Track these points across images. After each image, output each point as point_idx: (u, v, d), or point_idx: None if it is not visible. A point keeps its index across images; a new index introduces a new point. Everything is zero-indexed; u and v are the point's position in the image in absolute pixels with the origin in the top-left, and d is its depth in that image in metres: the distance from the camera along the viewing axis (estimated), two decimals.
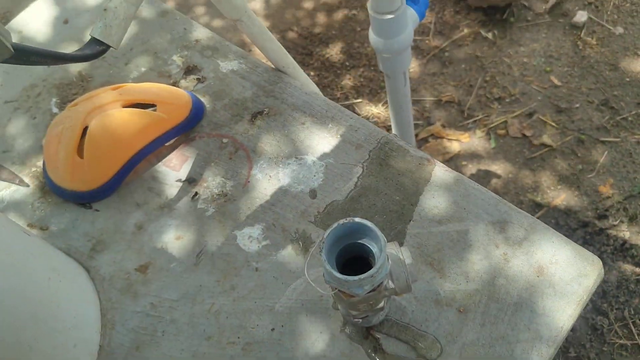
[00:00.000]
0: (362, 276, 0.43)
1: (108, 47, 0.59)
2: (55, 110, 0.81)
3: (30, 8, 0.95)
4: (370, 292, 0.46)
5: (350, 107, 1.63)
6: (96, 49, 0.58)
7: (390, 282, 0.49)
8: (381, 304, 0.52)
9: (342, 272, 0.44)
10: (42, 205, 0.73)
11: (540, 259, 0.60)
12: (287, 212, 0.67)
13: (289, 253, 0.64)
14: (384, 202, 0.66)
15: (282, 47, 0.79)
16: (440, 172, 0.68)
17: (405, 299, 0.60)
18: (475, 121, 1.55)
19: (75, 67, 0.86)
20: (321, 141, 0.72)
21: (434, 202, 0.65)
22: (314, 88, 0.83)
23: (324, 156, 0.71)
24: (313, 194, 0.68)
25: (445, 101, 1.60)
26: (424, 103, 1.62)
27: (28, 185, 0.74)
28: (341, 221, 0.45)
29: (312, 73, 1.73)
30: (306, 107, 0.75)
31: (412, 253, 0.62)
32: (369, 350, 0.58)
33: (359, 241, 0.48)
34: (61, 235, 0.70)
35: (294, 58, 0.81)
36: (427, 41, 1.75)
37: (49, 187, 0.73)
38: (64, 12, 0.94)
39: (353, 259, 0.50)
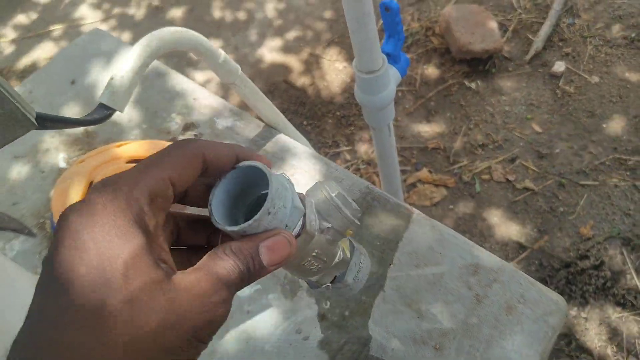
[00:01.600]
0: (256, 217, 0.33)
1: (114, 111, 0.66)
2: (62, 165, 0.88)
3: (42, 70, 1.03)
4: (297, 236, 0.36)
5: (342, 154, 1.70)
6: (104, 113, 0.65)
7: (323, 222, 0.39)
8: (336, 257, 0.42)
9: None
10: None
11: (509, 299, 0.66)
12: None
13: (278, 297, 0.69)
14: (366, 248, 0.72)
15: (273, 106, 0.86)
16: (417, 219, 0.74)
17: (385, 338, 0.64)
18: (460, 167, 1.62)
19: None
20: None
21: (412, 246, 0.71)
22: (304, 141, 0.89)
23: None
24: None
25: (432, 148, 1.67)
26: (411, 150, 1.69)
27: (35, 236, 0.80)
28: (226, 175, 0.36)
29: (304, 122, 1.81)
30: (294, 160, 0.82)
31: (391, 294, 0.67)
32: None
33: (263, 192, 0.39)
34: None
35: (288, 107, 0.88)
36: (413, 92, 1.84)
37: None
38: (70, 73, 1.02)
39: None
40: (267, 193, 0.34)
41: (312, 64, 1.97)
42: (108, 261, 0.26)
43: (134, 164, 0.76)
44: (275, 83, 1.93)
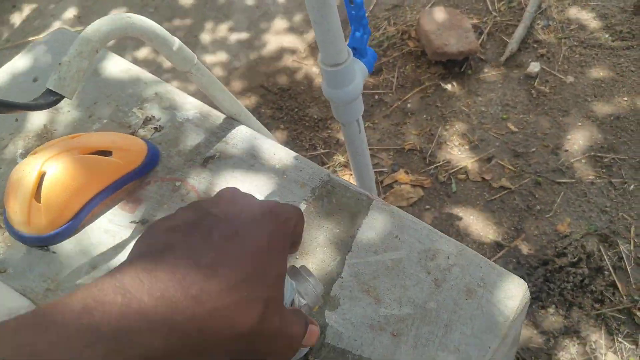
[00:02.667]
0: None
1: (62, 97, 0.64)
2: (19, 160, 0.86)
3: (3, 68, 1.01)
4: None
5: (318, 157, 1.69)
6: (50, 99, 0.63)
7: (301, 299, 0.52)
8: None
9: None
10: (1, 250, 0.76)
11: (468, 282, 0.64)
12: None
13: None
14: (325, 235, 0.70)
15: (233, 96, 0.84)
16: (377, 206, 0.72)
17: (342, 325, 0.63)
18: (436, 167, 1.61)
19: (40, 120, 0.91)
20: (268, 181, 0.77)
21: (371, 233, 0.70)
22: (266, 132, 0.88)
23: (270, 194, 0.75)
24: None
25: (408, 149, 1.67)
26: (388, 152, 1.69)
27: None
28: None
29: (281, 126, 1.80)
30: (255, 150, 0.81)
31: (348, 280, 0.66)
32: None
33: None
34: (18, 278, 0.72)
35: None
36: (390, 94, 1.84)
37: (8, 232, 0.76)
38: (33, 71, 1.00)
39: None
40: None
41: (289, 67, 1.97)
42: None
43: (86, 155, 0.74)
44: (253, 88, 1.92)
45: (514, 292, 0.64)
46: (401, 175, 1.60)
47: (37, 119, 0.92)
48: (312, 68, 1.96)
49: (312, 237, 0.70)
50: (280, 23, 2.13)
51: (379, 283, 0.66)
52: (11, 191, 0.74)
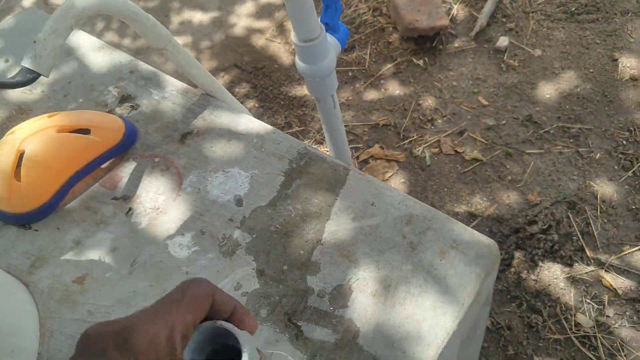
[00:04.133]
0: None
1: (39, 75, 0.64)
2: None
3: None
4: None
5: (294, 135, 1.71)
6: (27, 77, 0.64)
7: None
8: None
9: None
10: None
11: (442, 244, 0.67)
12: (214, 220, 0.73)
13: (216, 256, 0.69)
14: (304, 205, 0.73)
15: (209, 73, 0.85)
16: (354, 175, 0.75)
17: (323, 288, 0.65)
18: (410, 142, 1.65)
19: (15, 101, 0.91)
20: (247, 155, 0.79)
21: (348, 202, 0.72)
22: (242, 108, 0.89)
23: (249, 168, 0.77)
24: (239, 202, 0.74)
25: (382, 125, 1.70)
26: (362, 127, 1.71)
27: None
28: (203, 325, 0.44)
29: (256, 105, 1.81)
30: (232, 125, 0.82)
31: (328, 247, 0.68)
32: (292, 338, 0.63)
33: (230, 343, 0.47)
34: (1, 256, 0.73)
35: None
36: (363, 71, 1.85)
37: None
38: (3, 51, 0.99)
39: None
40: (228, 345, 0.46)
41: (261, 46, 1.97)
42: None
43: (65, 134, 0.75)
44: (226, 67, 1.92)
45: (484, 252, 0.67)
46: (376, 151, 1.62)
47: (10, 99, 0.91)
48: (284, 46, 1.97)
49: (292, 207, 0.73)
50: (249, 4, 2.13)
51: (357, 248, 0.68)
52: None
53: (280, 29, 2.02)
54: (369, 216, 0.71)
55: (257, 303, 0.65)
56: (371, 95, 1.79)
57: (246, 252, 0.70)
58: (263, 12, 2.11)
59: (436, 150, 1.62)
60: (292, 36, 0.98)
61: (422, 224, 0.69)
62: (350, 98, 1.79)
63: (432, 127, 1.67)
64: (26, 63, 0.64)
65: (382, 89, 1.79)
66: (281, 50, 1.96)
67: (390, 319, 0.63)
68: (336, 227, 0.70)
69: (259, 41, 1.99)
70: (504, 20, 1.92)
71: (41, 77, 0.65)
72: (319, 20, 0.98)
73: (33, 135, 0.73)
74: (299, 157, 0.78)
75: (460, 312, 0.63)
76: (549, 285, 1.36)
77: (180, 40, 2.07)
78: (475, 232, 0.69)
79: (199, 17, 2.13)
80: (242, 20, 2.09)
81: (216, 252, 0.70)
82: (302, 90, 1.83)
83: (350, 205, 0.72)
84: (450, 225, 0.69)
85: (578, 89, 1.70)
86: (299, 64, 1.03)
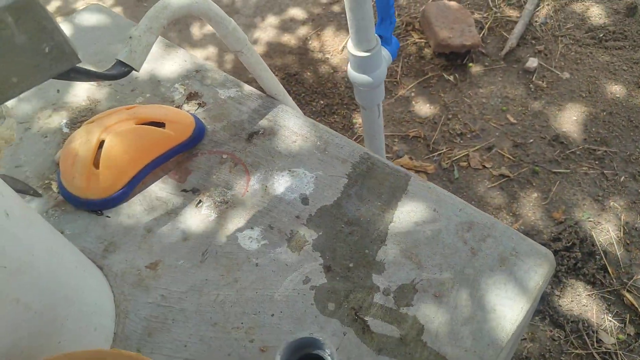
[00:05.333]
0: None
1: (132, 69, 0.68)
2: (66, 130, 0.89)
3: None
4: None
5: None
6: (122, 70, 0.68)
7: None
8: None
9: None
10: (55, 213, 0.79)
11: (502, 251, 0.71)
12: (282, 217, 0.76)
13: (285, 250, 0.73)
14: (368, 207, 0.76)
15: (275, 77, 0.89)
16: (415, 182, 0.78)
17: (388, 287, 0.69)
18: (439, 154, 1.68)
19: (84, 93, 0.94)
20: (311, 157, 0.82)
21: (410, 206, 0.76)
22: (300, 114, 0.93)
23: (313, 169, 0.81)
24: (305, 201, 0.78)
25: (412, 136, 1.74)
26: (393, 138, 1.75)
27: (41, 195, 0.81)
28: (294, 338, 0.49)
29: None
30: (296, 127, 0.86)
31: (392, 248, 0.72)
32: (359, 331, 0.66)
33: (314, 352, 0.52)
34: (75, 239, 0.77)
35: None
36: (395, 83, 1.90)
37: (63, 197, 0.80)
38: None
39: None
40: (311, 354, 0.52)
41: (298, 54, 2.02)
42: None
43: (142, 126, 0.78)
44: None
45: (542, 261, 0.70)
46: (406, 161, 1.66)
47: (79, 92, 0.95)
48: (318, 54, 2.01)
49: (355, 208, 0.76)
50: (285, 10, 2.17)
51: (420, 250, 0.72)
52: (68, 157, 0.77)
53: (316, 35, 2.06)
54: (430, 221, 0.74)
55: (325, 297, 0.69)
56: (402, 107, 1.83)
57: (313, 248, 0.73)
58: (297, 20, 2.15)
59: (464, 164, 1.66)
60: (349, 46, 1.02)
61: (482, 231, 0.73)
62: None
63: (461, 142, 1.71)
64: (121, 57, 0.67)
65: (413, 102, 1.83)
66: (315, 58, 2.00)
67: (453, 318, 0.66)
68: (399, 229, 0.74)
69: (293, 48, 2.03)
70: (533, 42, 1.97)
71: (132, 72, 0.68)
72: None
73: (113, 125, 0.77)
74: (361, 162, 0.81)
75: (519, 315, 0.66)
76: (572, 301, 1.39)
77: (211, 47, 2.12)
78: (533, 241, 0.73)
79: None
80: (274, 26, 2.13)
81: (284, 246, 0.73)
82: (334, 99, 1.87)
83: (412, 210, 0.75)
84: (509, 233, 0.73)
85: (604, 113, 1.74)
86: (352, 73, 1.07)
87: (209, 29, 2.18)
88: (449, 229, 0.73)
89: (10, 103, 0.92)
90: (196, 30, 2.18)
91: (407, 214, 0.75)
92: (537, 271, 0.69)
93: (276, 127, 0.86)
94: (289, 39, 2.07)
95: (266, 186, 0.79)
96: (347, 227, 0.75)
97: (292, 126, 0.86)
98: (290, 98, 0.93)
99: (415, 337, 0.65)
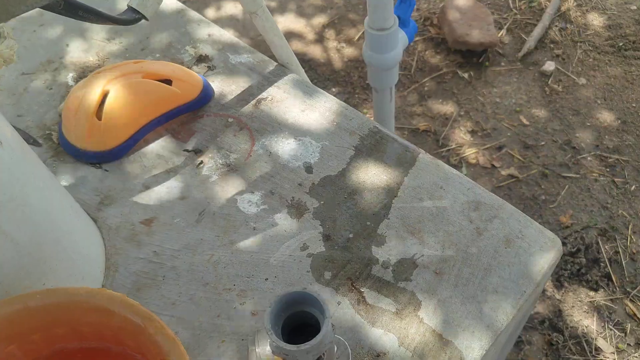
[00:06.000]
0: (306, 345, 0.43)
1: (142, 16, 0.66)
2: (71, 83, 0.87)
3: None
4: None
5: None
6: (132, 17, 0.66)
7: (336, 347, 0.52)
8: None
9: (288, 341, 0.44)
10: (54, 163, 0.78)
11: (508, 233, 0.69)
12: (284, 183, 0.74)
13: (284, 216, 0.71)
14: (373, 180, 0.74)
15: (288, 46, 0.87)
16: (423, 158, 0.76)
17: (387, 260, 0.66)
18: (448, 150, 1.66)
19: (93, 49, 0.93)
20: (319, 127, 0.80)
21: (417, 182, 0.74)
22: (311, 84, 0.91)
23: (320, 139, 0.79)
24: (309, 169, 0.75)
25: (423, 130, 1.71)
26: (402, 130, 1.73)
27: (41, 145, 0.80)
28: (285, 293, 0.46)
29: None
30: (306, 97, 0.84)
31: (395, 222, 0.70)
32: (354, 302, 0.64)
33: (305, 309, 0.49)
34: (71, 189, 0.75)
35: None
36: (408, 76, 1.87)
37: (62, 147, 0.78)
38: None
39: (299, 326, 0.50)
40: (302, 312, 0.48)
41: (313, 41, 2.00)
42: None
43: (149, 80, 0.77)
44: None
45: (549, 245, 0.68)
46: None
47: (88, 47, 0.93)
48: (332, 42, 1.99)
49: (359, 180, 0.74)
50: (291, 5, 2.15)
51: (423, 227, 0.69)
52: (71, 106, 0.76)
53: (333, 24, 2.05)
54: (437, 198, 0.72)
55: (322, 265, 0.66)
56: (414, 100, 1.81)
57: (313, 216, 0.71)
58: (316, 6, 2.14)
59: (473, 161, 1.63)
60: (366, 22, 1.00)
61: (489, 211, 0.71)
62: None
63: (472, 139, 1.69)
64: (133, 4, 0.66)
65: (425, 96, 1.81)
66: (330, 46, 1.98)
67: (453, 297, 0.64)
68: (404, 204, 0.72)
69: (308, 34, 2.02)
70: (551, 46, 1.94)
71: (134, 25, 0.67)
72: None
73: (119, 77, 0.75)
74: (370, 135, 0.79)
75: (521, 299, 0.64)
76: (573, 307, 1.36)
77: (231, 30, 2.10)
78: (541, 226, 0.70)
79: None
80: (292, 10, 2.11)
81: (284, 212, 0.71)
82: (346, 87, 1.85)
83: (418, 186, 0.73)
84: (517, 216, 0.70)
85: (618, 121, 1.71)
86: (367, 52, 1.05)
87: (226, 10, 2.16)
88: (455, 207, 0.71)
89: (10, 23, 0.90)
90: (211, 13, 2.16)
91: (413, 189, 0.73)
92: (543, 256, 0.67)
93: (285, 94, 0.84)
94: (305, 24, 2.05)
95: (270, 152, 0.77)
96: (350, 198, 0.73)
97: (302, 95, 0.84)
98: (302, 69, 0.91)
99: (412, 312, 0.63)
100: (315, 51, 1.95)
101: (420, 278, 0.65)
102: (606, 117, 1.73)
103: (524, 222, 0.70)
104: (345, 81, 1.87)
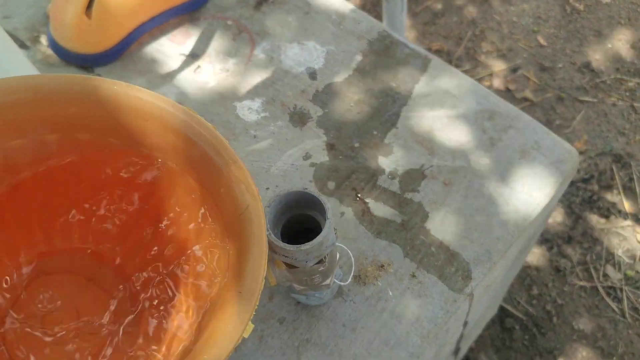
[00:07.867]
0: (306, 245, 0.41)
1: None
2: None
3: None
4: (316, 263, 0.44)
5: None
6: None
7: (338, 255, 0.48)
8: (327, 281, 0.49)
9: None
10: (42, 67, 0.73)
11: (523, 144, 0.64)
12: (286, 90, 0.70)
13: (286, 124, 0.67)
14: (381, 87, 0.69)
15: None
16: (436, 64, 0.71)
17: (394, 170, 0.63)
18: (462, 71, 1.59)
19: None
20: (324, 30, 0.75)
21: (428, 89, 0.69)
22: None
23: (325, 43, 0.73)
24: (313, 75, 0.71)
25: (435, 50, 1.63)
26: None
27: (28, 48, 0.75)
28: (286, 192, 0.44)
29: None
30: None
31: (403, 131, 0.66)
32: (358, 213, 0.61)
33: (307, 212, 0.46)
34: None
35: None
36: None
37: (52, 49, 0.73)
38: None
39: (302, 233, 0.47)
40: (304, 215, 0.46)
41: None
42: None
43: None
44: None
45: (566, 157, 0.64)
46: None
47: None
48: None
49: (366, 87, 0.69)
50: None
51: (433, 136, 0.65)
52: (60, 4, 0.70)
53: None
54: (449, 107, 0.67)
55: (325, 175, 0.63)
56: (427, 19, 1.72)
57: (317, 124, 0.67)
58: None
59: (487, 83, 1.57)
60: None
61: (504, 121, 0.66)
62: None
63: (486, 60, 1.61)
64: None
65: (439, 14, 1.72)
66: None
67: (462, 208, 0.61)
68: (413, 112, 0.67)
69: None
70: None
71: None
72: None
73: None
74: (379, 39, 0.74)
75: (534, 212, 0.61)
76: (583, 233, 1.34)
77: None
78: (557, 137, 0.66)
79: None
80: None
81: (286, 120, 0.67)
82: None
83: (430, 94, 0.69)
84: (533, 126, 0.66)
85: None
86: None
87: None
88: (468, 116, 0.67)
89: None
90: None
91: (423, 97, 0.68)
92: (559, 167, 0.63)
93: (299, 13, 0.78)
94: None
95: (272, 57, 0.72)
96: (356, 106, 0.68)
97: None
98: None
99: (419, 223, 0.60)
100: None
101: (428, 189, 0.62)
102: (629, 38, 1.64)
103: (541, 133, 0.65)
104: None
